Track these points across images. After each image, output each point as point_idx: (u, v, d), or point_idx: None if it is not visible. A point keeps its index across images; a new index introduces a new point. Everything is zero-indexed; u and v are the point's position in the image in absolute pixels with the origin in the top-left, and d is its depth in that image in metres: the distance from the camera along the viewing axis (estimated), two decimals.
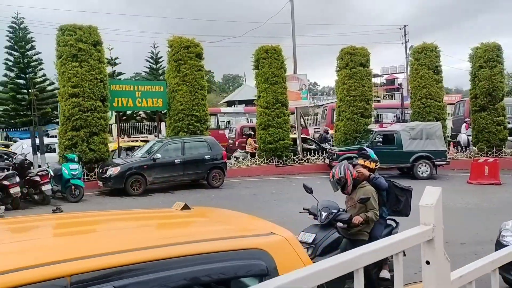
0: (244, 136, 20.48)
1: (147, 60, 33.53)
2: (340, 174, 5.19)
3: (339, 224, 5.07)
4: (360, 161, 5.53)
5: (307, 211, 5.36)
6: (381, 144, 15.75)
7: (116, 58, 30.47)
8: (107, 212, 2.60)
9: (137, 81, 21.59)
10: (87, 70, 13.19)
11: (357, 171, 5.47)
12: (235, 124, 22.67)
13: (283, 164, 16.97)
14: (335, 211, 5.01)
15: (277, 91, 16.95)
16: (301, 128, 25.58)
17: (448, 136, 22.42)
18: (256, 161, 16.88)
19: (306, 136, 21.73)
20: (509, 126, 18.25)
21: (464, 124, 21.42)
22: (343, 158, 15.29)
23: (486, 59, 17.42)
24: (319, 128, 29.66)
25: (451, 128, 25.21)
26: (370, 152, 5.68)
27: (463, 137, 19.41)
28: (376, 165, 5.56)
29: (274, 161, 16.82)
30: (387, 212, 5.50)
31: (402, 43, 32.96)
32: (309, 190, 5.44)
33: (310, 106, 54.60)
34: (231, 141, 21.10)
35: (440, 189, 1.57)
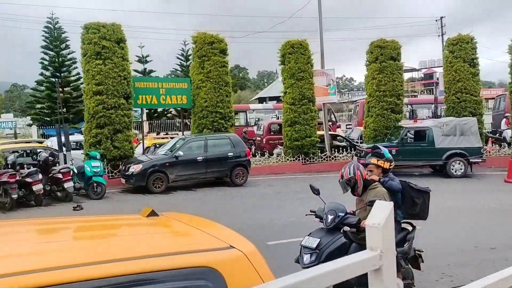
0: (272, 133, 20.23)
1: (178, 58, 33.90)
2: (350, 174, 4.88)
3: (346, 228, 4.76)
4: (373, 160, 5.18)
5: (314, 213, 5.08)
6: (412, 141, 15.12)
7: (147, 56, 30.94)
8: (54, 220, 2.44)
9: (161, 78, 21.75)
10: (111, 67, 13.33)
11: (368, 171, 5.13)
12: (263, 121, 22.43)
13: (310, 161, 16.61)
14: (342, 214, 4.70)
15: (303, 86, 16.57)
16: (334, 124, 25.20)
17: (488, 132, 21.31)
18: (282, 159, 16.59)
19: (336, 133, 21.25)
20: None
21: (504, 119, 20.27)
22: None
23: None
24: (351, 125, 29.03)
25: (491, 123, 23.98)
26: (385, 150, 5.29)
27: (509, 133, 18.34)
28: (390, 165, 5.18)
29: (300, 158, 16.48)
30: (402, 216, 5.13)
31: (438, 36, 31.56)
32: (316, 191, 5.16)
33: (344, 102, 53.64)
34: (259, 138, 20.90)
35: (392, 204, 1.28)
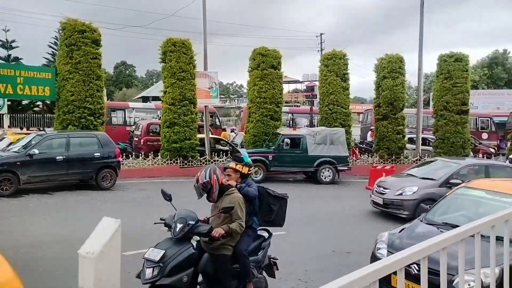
0: (151, 133, 19.26)
1: (50, 46, 30.62)
2: (205, 178, 4.53)
3: (196, 238, 4.40)
4: (232, 164, 4.91)
5: (163, 222, 4.62)
6: (288, 148, 15.58)
7: (13, 41, 27.40)
8: None
9: (20, 64, 19.25)
10: None
11: (226, 175, 4.85)
12: (142, 121, 21.28)
13: (189, 165, 16.10)
14: (192, 222, 4.31)
15: (184, 87, 16.05)
16: (223, 128, 25.11)
17: (359, 143, 23.23)
18: (158, 161, 15.81)
19: (219, 136, 21.12)
20: (409, 136, 19.20)
21: (370, 132, 22.24)
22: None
23: (389, 70, 18.05)
24: (235, 129, 29.33)
25: (360, 135, 26.26)
26: (244, 155, 5.07)
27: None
28: (249, 170, 4.96)
29: (178, 161, 15.87)
30: (258, 223, 4.93)
31: (318, 51, 33.70)
32: (167, 197, 4.73)
33: (232, 108, 54.35)
34: (137, 139, 19.74)
35: (118, 224, 0.86)
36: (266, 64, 17.17)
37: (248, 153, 16.10)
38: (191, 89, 16.21)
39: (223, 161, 16.72)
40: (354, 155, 18.58)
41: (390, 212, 9.93)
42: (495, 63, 41.85)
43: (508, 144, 18.74)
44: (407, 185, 10.13)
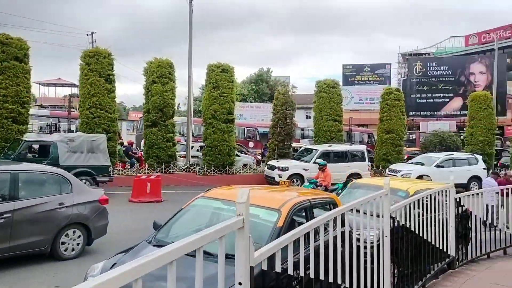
0: None
1: None
2: None
3: None
4: None
5: None
6: (33, 157, 12.91)
7: None
8: None
9: None
10: None
11: None
12: None
13: None
14: None
15: None
16: None
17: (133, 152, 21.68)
18: None
19: None
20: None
21: (143, 140, 21.06)
22: None
23: (159, 74, 17.22)
24: None
25: (135, 143, 24.85)
26: None
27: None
28: None
29: None
30: None
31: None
32: None
33: None
34: None
35: None
36: (7, 55, 13.95)
37: None
38: None
39: None
40: (143, 164, 17.18)
41: None
42: (260, 79, 46.94)
43: (267, 153, 20.43)
44: None
